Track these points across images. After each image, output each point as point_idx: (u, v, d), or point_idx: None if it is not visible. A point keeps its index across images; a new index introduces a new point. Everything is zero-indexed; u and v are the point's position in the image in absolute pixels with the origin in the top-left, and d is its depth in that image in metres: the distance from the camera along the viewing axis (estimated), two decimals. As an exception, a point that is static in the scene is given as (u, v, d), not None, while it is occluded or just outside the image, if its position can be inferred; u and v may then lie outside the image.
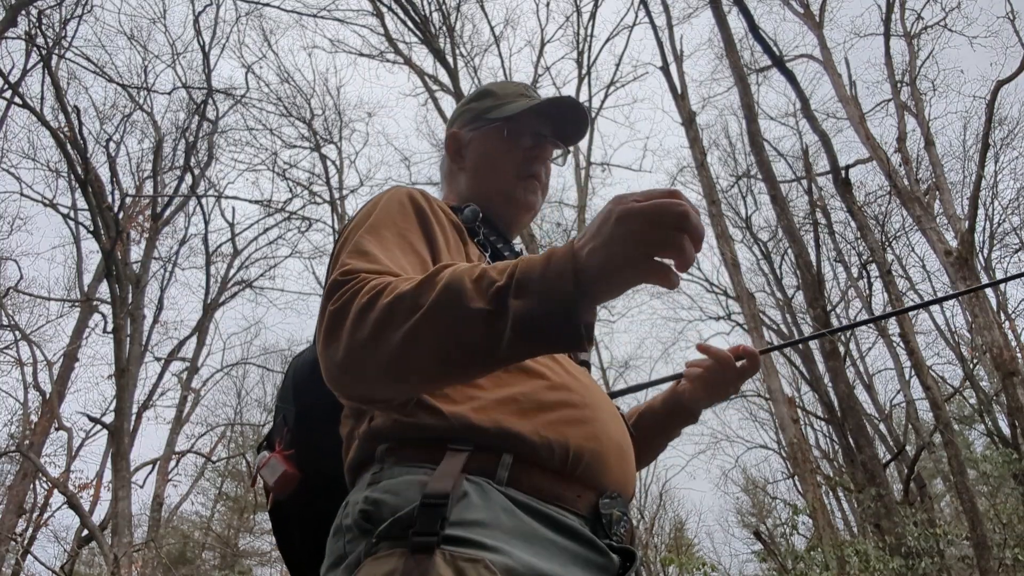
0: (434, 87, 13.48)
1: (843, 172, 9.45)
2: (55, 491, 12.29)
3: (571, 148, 1.31)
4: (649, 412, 1.27)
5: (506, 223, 1.23)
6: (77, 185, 11.87)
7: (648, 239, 0.66)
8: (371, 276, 0.82)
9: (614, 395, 1.31)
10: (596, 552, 0.82)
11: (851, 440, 8.86)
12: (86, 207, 11.39)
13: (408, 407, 0.86)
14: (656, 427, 1.26)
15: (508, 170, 1.21)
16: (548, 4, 17.09)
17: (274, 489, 1.03)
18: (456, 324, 0.72)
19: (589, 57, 15.04)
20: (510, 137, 1.21)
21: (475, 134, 1.24)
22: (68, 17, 11.40)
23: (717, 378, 1.20)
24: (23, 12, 9.56)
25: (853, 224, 12.59)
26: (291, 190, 16.45)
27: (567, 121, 1.25)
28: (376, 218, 0.97)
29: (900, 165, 12.44)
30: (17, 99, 11.02)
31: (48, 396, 12.90)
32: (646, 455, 1.27)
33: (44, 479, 11.89)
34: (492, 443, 0.83)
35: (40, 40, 10.57)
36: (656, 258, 0.67)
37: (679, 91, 11.84)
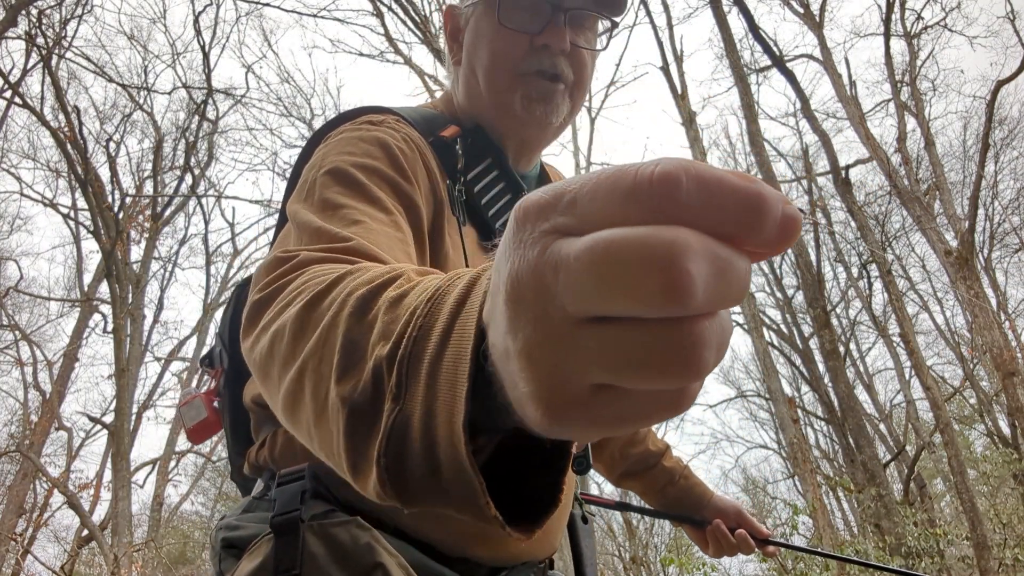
0: (434, 87, 13.48)
1: (843, 172, 9.46)
2: (55, 491, 12.28)
3: (616, 20, 0.89)
4: (668, 481, 1.17)
5: (518, 143, 0.91)
6: (77, 185, 11.88)
7: (586, 350, 0.30)
8: (315, 260, 0.54)
9: (621, 507, 1.21)
10: None
11: (851, 440, 8.87)
12: (86, 207, 11.42)
13: (298, 449, 0.75)
14: (657, 496, 1.18)
15: (506, 68, 0.85)
16: (548, 4, 17.07)
17: (189, 434, 0.90)
18: (320, 412, 0.41)
19: (589, 57, 15.03)
20: (504, 18, 0.83)
21: (471, 11, 0.88)
22: (68, 17, 11.42)
23: (726, 546, 1.13)
24: (23, 12, 9.56)
25: (853, 224, 12.60)
26: (291, 190, 16.47)
27: None
28: (331, 183, 0.69)
29: (900, 165, 12.43)
30: (17, 99, 11.03)
31: (48, 396, 12.90)
32: (622, 481, 1.20)
33: (44, 479, 11.89)
34: (371, 516, 0.70)
35: (40, 40, 10.58)
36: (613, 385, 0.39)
37: (679, 91, 11.84)
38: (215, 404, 0.91)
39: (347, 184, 0.68)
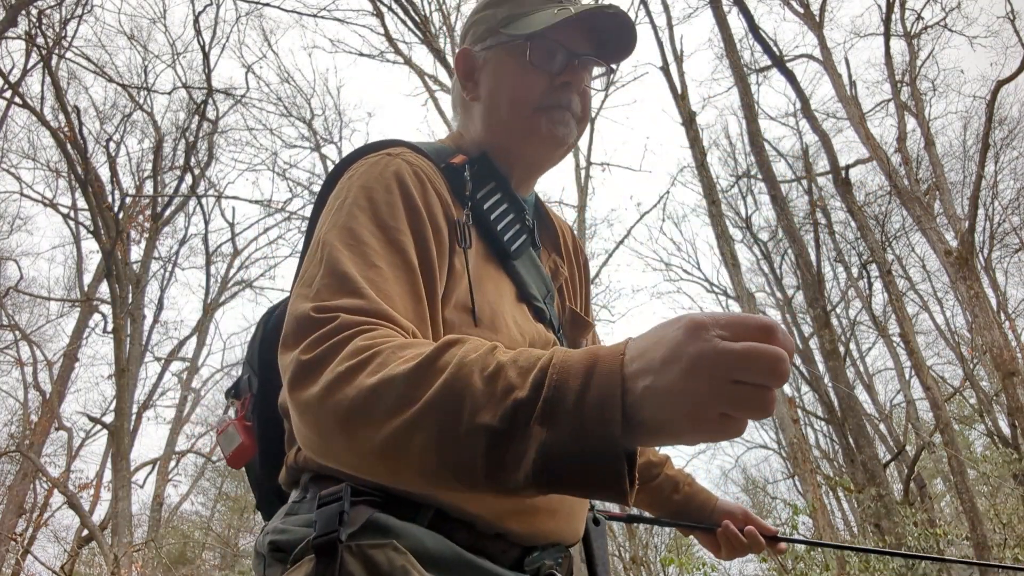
0: (434, 87, 13.48)
1: (843, 172, 9.46)
2: (55, 491, 12.29)
3: (615, 66, 1.03)
4: (671, 490, 1.21)
5: (524, 166, 1.02)
6: (77, 185, 11.88)
7: (729, 396, 0.49)
8: (354, 325, 0.66)
9: (632, 520, 1.23)
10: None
11: (851, 440, 8.87)
12: (86, 207, 11.41)
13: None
14: (663, 505, 1.21)
15: (529, 102, 0.96)
16: (548, 4, 17.06)
17: (229, 461, 0.97)
18: (452, 438, 0.54)
19: (589, 57, 15.03)
20: (535, 60, 0.95)
21: (490, 54, 0.99)
22: (68, 17, 11.40)
23: (737, 546, 1.16)
24: (23, 12, 9.56)
25: (853, 224, 12.59)
26: (291, 190, 16.53)
27: (608, 34, 0.98)
28: (357, 213, 0.81)
29: (900, 165, 12.43)
30: (17, 99, 11.03)
31: (48, 396, 12.90)
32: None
33: (44, 479, 11.89)
34: (412, 500, 0.77)
35: (40, 40, 10.57)
36: (730, 415, 0.50)
37: (679, 91, 11.84)
38: (247, 427, 0.98)
39: (369, 215, 0.81)
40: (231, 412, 1.01)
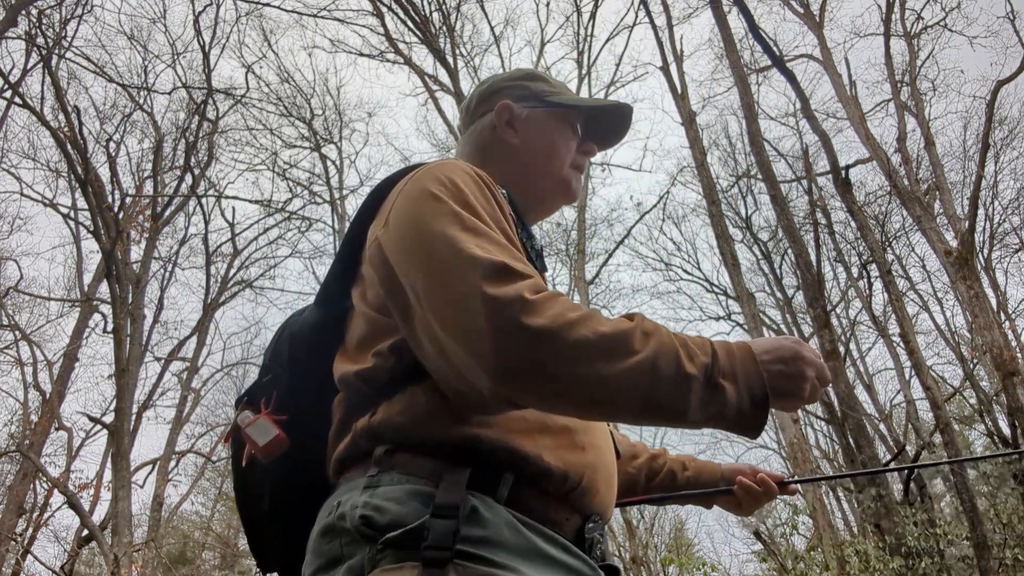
0: (434, 87, 13.48)
1: (843, 172, 9.45)
2: (55, 491, 12.29)
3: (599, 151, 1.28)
4: (680, 470, 1.30)
5: (540, 207, 1.20)
6: (77, 185, 11.88)
7: (811, 388, 0.85)
8: (545, 287, 0.82)
9: (653, 501, 1.30)
10: (588, 567, 0.85)
11: (851, 440, 8.87)
12: (86, 207, 11.40)
13: (414, 410, 0.86)
14: (678, 488, 1.29)
15: (563, 161, 1.17)
16: (548, 4, 17.08)
17: (262, 452, 1.00)
18: (669, 380, 0.77)
19: (589, 57, 15.04)
20: (571, 128, 1.18)
21: (532, 112, 1.17)
22: (68, 17, 11.41)
23: (755, 496, 1.26)
24: (23, 12, 9.56)
25: (853, 224, 12.59)
26: (291, 190, 16.47)
27: (615, 127, 1.24)
28: (466, 200, 0.89)
29: (900, 165, 12.43)
30: (17, 99, 11.02)
31: (48, 396, 12.90)
32: (632, 493, 1.30)
33: (44, 479, 11.89)
34: (495, 460, 0.84)
35: (40, 40, 10.58)
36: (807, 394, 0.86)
37: (679, 91, 11.84)
38: (277, 421, 1.02)
39: (474, 203, 0.90)
40: (246, 413, 1.02)
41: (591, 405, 0.79)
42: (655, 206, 16.42)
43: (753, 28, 9.01)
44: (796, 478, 1.31)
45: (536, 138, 1.16)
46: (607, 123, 1.22)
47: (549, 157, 1.16)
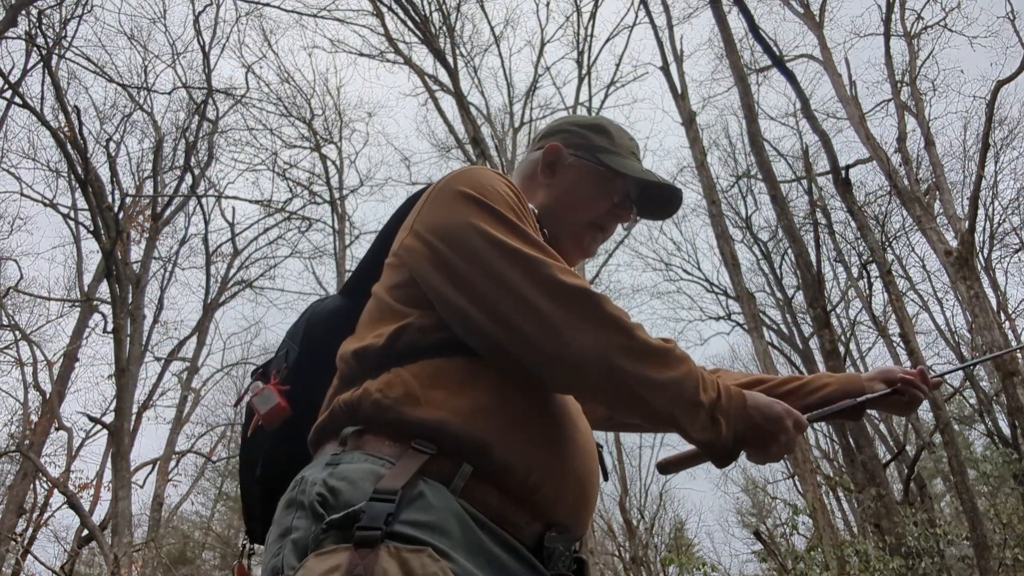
0: (434, 87, 13.48)
1: (843, 172, 9.44)
2: (55, 491, 12.29)
3: (638, 221, 1.35)
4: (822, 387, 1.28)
5: (555, 248, 1.25)
6: (77, 185, 11.87)
7: (776, 451, 0.95)
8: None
9: (814, 418, 1.23)
10: (536, 575, 0.84)
11: (851, 440, 8.87)
12: (86, 207, 11.39)
13: (391, 390, 0.88)
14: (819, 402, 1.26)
15: (589, 214, 1.20)
16: (548, 4, 17.09)
17: (264, 418, 1.04)
18: (688, 401, 0.88)
19: (589, 57, 15.04)
20: (608, 188, 1.21)
21: (577, 162, 1.21)
22: (68, 17, 11.41)
23: (919, 390, 1.28)
24: (23, 12, 9.56)
25: (853, 224, 12.58)
26: (291, 190, 16.47)
27: (659, 202, 1.26)
28: (509, 209, 0.97)
29: (900, 165, 12.43)
30: (17, 99, 11.02)
31: (48, 396, 12.90)
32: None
33: (44, 479, 11.90)
34: (457, 449, 0.85)
35: (40, 40, 10.57)
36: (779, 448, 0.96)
37: (679, 91, 11.84)
38: (282, 391, 1.07)
39: (516, 210, 0.99)
40: (257, 383, 1.09)
41: (628, 400, 0.90)
42: (655, 206, 16.38)
43: (753, 28, 9.00)
44: (938, 373, 1.34)
45: (567, 186, 1.20)
46: (654, 198, 1.25)
47: (571, 209, 1.20)
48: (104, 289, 12.76)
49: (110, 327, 11.01)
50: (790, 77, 9.29)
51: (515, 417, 0.90)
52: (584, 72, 15.03)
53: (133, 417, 11.47)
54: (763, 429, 0.93)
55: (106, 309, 12.40)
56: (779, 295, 17.09)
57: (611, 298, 0.94)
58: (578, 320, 0.87)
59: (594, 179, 1.20)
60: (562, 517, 0.91)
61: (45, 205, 13.92)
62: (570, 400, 1.01)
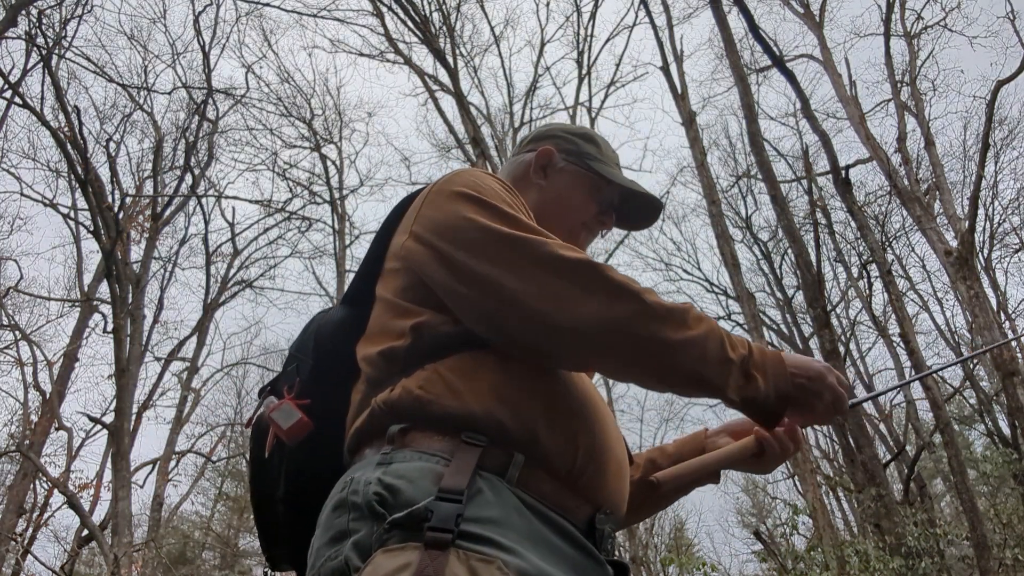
0: (434, 87, 13.48)
1: (843, 172, 9.44)
2: (55, 491, 12.29)
3: (616, 231, 1.37)
4: (659, 456, 1.24)
5: None
6: (77, 185, 11.87)
7: (824, 409, 0.94)
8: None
9: (672, 496, 1.22)
10: (593, 561, 0.84)
11: (851, 440, 8.86)
12: (86, 207, 11.39)
13: (432, 386, 0.88)
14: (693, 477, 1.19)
15: (576, 218, 1.24)
16: (548, 4, 17.08)
17: (287, 434, 1.03)
18: (714, 359, 0.87)
19: (589, 57, 15.05)
20: (596, 195, 1.25)
21: (568, 167, 1.26)
22: (68, 17, 11.41)
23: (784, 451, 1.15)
24: (23, 12, 9.56)
25: (853, 224, 12.58)
26: (291, 190, 16.48)
27: (640, 213, 1.31)
28: (503, 201, 0.98)
29: (900, 165, 12.44)
30: (17, 99, 11.02)
31: (48, 396, 12.90)
32: (659, 504, 1.24)
33: (44, 479, 11.90)
34: (508, 440, 0.86)
35: (40, 40, 10.57)
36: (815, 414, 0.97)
37: (679, 91, 11.84)
38: (300, 406, 1.05)
39: (510, 202, 1.01)
40: (271, 398, 1.07)
41: (652, 368, 0.89)
42: (655, 206, 16.38)
43: (753, 28, 9.00)
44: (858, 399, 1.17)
45: (559, 188, 1.24)
46: (636, 208, 1.29)
47: (564, 209, 1.24)
48: (104, 289, 12.77)
49: (110, 327, 11.02)
50: (790, 77, 9.29)
51: (552, 402, 0.91)
52: (584, 72, 15.04)
53: (133, 417, 11.47)
54: (806, 388, 0.92)
55: (106, 309, 12.42)
56: (779, 295, 17.09)
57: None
58: (586, 290, 0.87)
59: (585, 184, 1.24)
60: (607, 500, 0.93)
61: (45, 205, 13.94)
62: (591, 385, 1.02)
